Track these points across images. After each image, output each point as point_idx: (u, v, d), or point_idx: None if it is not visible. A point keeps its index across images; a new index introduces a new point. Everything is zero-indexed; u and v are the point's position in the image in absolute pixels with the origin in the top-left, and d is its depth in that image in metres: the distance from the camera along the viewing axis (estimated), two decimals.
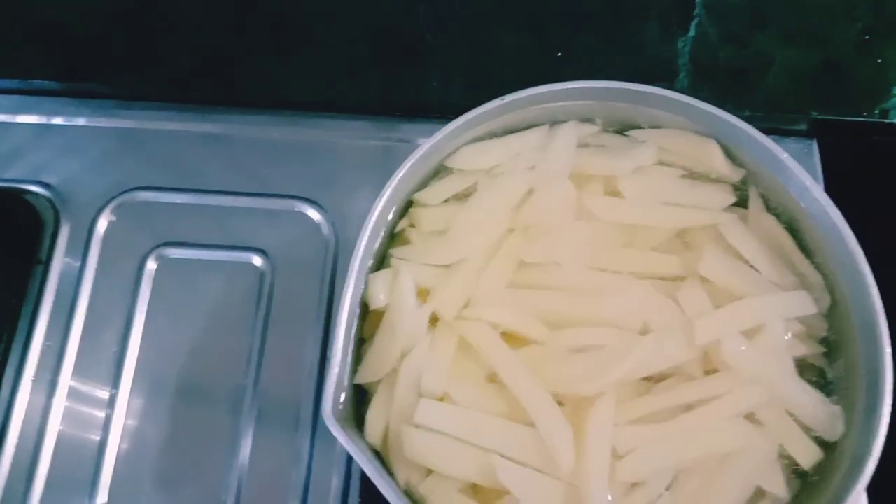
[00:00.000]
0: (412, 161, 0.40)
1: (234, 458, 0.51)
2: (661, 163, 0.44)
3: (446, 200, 0.44)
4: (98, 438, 0.51)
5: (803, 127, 0.58)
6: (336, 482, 0.50)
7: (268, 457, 0.51)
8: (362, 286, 0.40)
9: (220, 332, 0.54)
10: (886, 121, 0.56)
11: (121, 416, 0.52)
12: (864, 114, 0.57)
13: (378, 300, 0.40)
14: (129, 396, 0.53)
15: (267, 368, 0.53)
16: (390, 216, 0.42)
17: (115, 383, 0.53)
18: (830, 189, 0.54)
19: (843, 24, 0.60)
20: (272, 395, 0.52)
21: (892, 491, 0.43)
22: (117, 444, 0.51)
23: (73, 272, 0.56)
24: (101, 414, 0.52)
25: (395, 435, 0.38)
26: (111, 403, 0.52)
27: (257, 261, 0.56)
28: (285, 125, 0.61)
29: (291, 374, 0.53)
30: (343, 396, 0.38)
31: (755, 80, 0.58)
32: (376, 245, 0.41)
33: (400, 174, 0.40)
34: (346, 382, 0.38)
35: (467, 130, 0.43)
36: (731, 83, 0.58)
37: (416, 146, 0.41)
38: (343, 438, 0.35)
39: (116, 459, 0.51)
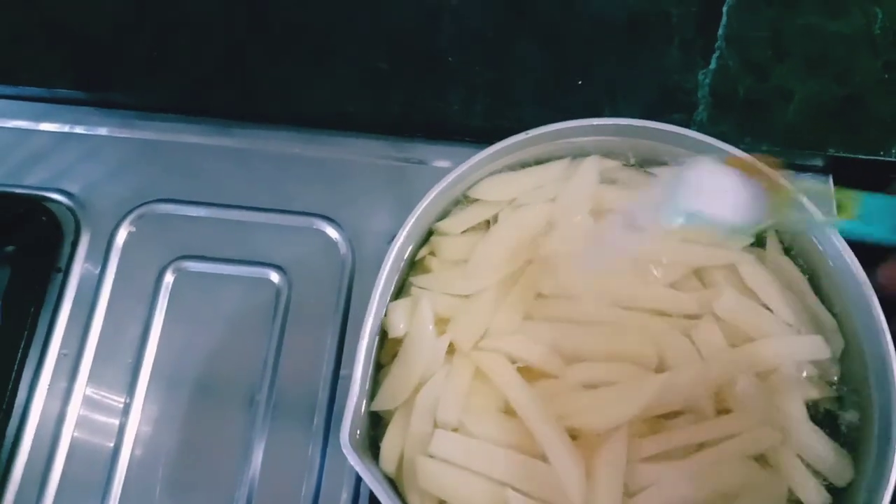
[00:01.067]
0: (436, 192, 0.41)
1: (246, 468, 0.51)
2: None
3: (467, 230, 0.44)
4: (111, 445, 0.52)
5: (820, 163, 0.58)
6: (346, 496, 0.51)
7: (279, 468, 0.52)
8: (382, 313, 0.41)
9: (235, 346, 0.55)
10: None
11: (134, 424, 0.53)
12: (882, 153, 0.57)
13: (398, 329, 0.41)
14: (144, 405, 0.53)
15: (280, 383, 0.54)
16: (412, 245, 0.43)
17: (130, 392, 0.53)
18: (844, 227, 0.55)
19: (866, 59, 0.60)
20: (285, 408, 0.53)
21: None
22: (130, 452, 0.52)
23: (91, 281, 0.56)
24: (115, 421, 0.53)
25: (410, 464, 0.38)
26: (125, 411, 0.53)
27: (274, 276, 0.57)
28: (305, 142, 0.61)
29: (304, 389, 0.53)
30: (360, 425, 0.38)
31: (774, 114, 0.59)
32: (396, 274, 0.42)
33: (423, 204, 0.40)
34: (362, 412, 0.38)
35: (490, 163, 0.44)
36: (750, 116, 0.58)
37: (435, 168, 0.41)
38: (360, 468, 0.35)
39: (129, 466, 0.52)
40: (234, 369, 0.54)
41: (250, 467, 0.51)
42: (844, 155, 0.57)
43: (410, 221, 0.40)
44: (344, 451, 0.36)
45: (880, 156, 0.57)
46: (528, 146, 0.43)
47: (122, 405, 0.53)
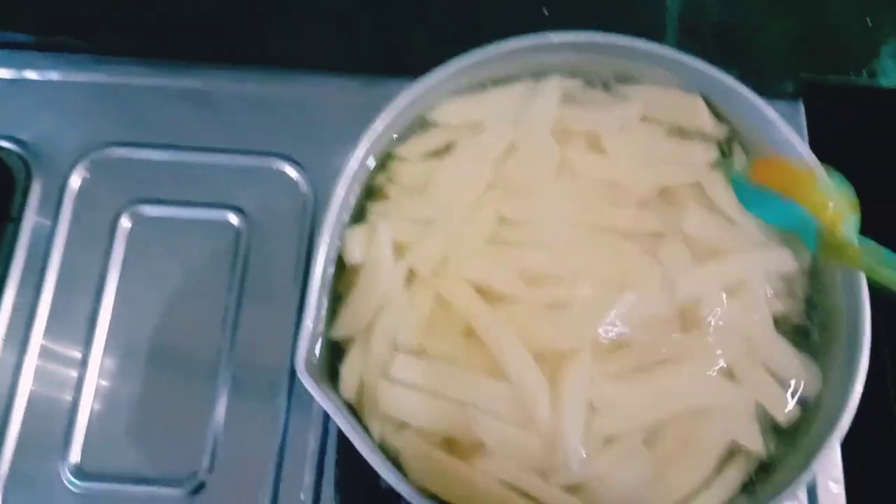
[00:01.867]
0: (391, 112, 0.39)
1: (210, 418, 0.50)
2: (645, 119, 0.44)
3: (426, 155, 0.43)
4: (70, 398, 0.51)
5: (790, 88, 0.57)
6: (313, 442, 0.50)
7: (244, 416, 0.50)
8: (338, 241, 0.39)
9: (195, 291, 0.53)
10: (874, 82, 0.56)
11: (94, 376, 0.51)
12: (852, 75, 0.56)
13: (354, 255, 0.40)
14: (103, 356, 0.52)
15: (243, 327, 0.52)
16: (367, 168, 0.41)
17: (87, 343, 0.52)
18: (816, 151, 0.54)
19: None
20: (249, 354, 0.52)
21: (867, 444, 0.44)
22: (90, 404, 0.51)
23: (45, 230, 0.54)
24: (74, 373, 0.51)
25: (371, 389, 0.37)
26: (84, 363, 0.51)
27: (234, 219, 0.55)
28: (266, 81, 0.59)
29: (268, 334, 0.52)
30: (318, 351, 0.37)
31: (744, 39, 0.58)
32: (353, 199, 0.40)
33: (378, 125, 0.39)
34: (319, 336, 0.37)
35: (448, 82, 0.42)
36: (719, 43, 0.57)
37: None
38: (316, 392, 0.34)
39: (90, 419, 0.50)
40: (196, 316, 0.53)
41: (214, 416, 0.50)
42: (815, 78, 0.56)
43: (364, 142, 0.38)
44: (300, 376, 0.35)
45: (851, 78, 0.56)
46: (486, 65, 0.42)
47: (80, 356, 0.52)
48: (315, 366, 0.37)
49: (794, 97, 0.57)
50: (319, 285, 0.36)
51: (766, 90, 0.56)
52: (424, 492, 0.35)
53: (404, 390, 0.37)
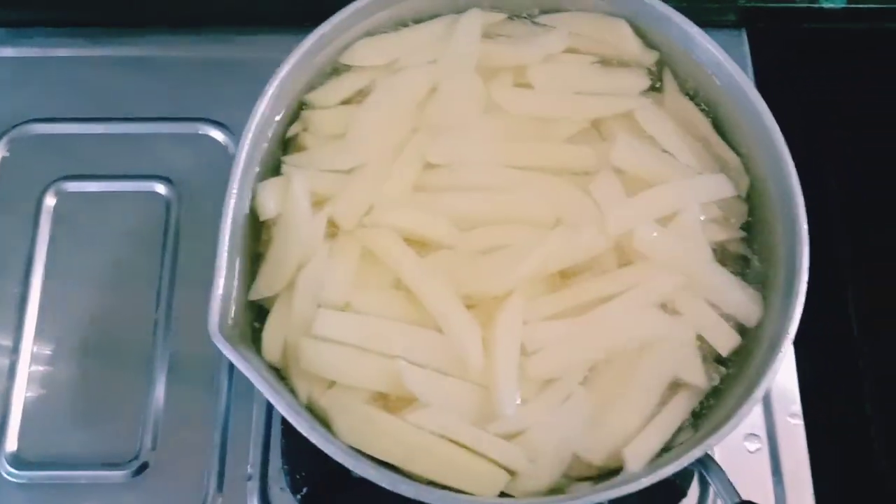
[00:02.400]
0: (297, 55, 0.37)
1: (150, 396, 0.48)
2: (571, 50, 0.42)
3: (343, 101, 0.41)
4: (2, 386, 0.49)
5: (732, 17, 0.55)
6: (257, 414, 0.48)
7: (185, 392, 0.49)
8: (248, 194, 0.37)
9: (127, 268, 0.51)
10: (815, 5, 0.54)
11: (26, 361, 0.49)
12: (794, 1, 0.54)
13: (268, 209, 0.38)
14: (34, 341, 0.50)
15: (179, 300, 0.50)
16: (279, 117, 0.39)
17: (18, 327, 0.50)
18: (761, 79, 0.52)
19: None
20: (186, 328, 0.50)
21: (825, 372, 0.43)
22: (24, 391, 0.48)
23: None
24: (6, 360, 0.49)
25: (294, 349, 0.36)
26: (15, 349, 0.49)
27: (161, 189, 0.53)
28: (186, 44, 0.56)
29: (204, 306, 0.50)
30: (234, 313, 0.35)
31: None
32: (262, 151, 0.38)
33: (285, 69, 0.37)
34: (235, 299, 0.35)
35: (361, 21, 0.40)
36: None
37: None
38: (232, 354, 0.33)
39: (24, 406, 0.48)
40: (130, 292, 0.51)
41: (154, 393, 0.48)
42: (756, 5, 0.54)
43: (270, 88, 0.36)
44: (213, 339, 0.33)
45: (792, 2, 0.54)
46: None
47: (10, 342, 0.49)
48: (233, 329, 0.35)
49: (736, 26, 0.55)
50: (229, 244, 0.34)
51: (708, 20, 0.55)
52: (356, 451, 0.33)
53: (329, 347, 0.35)
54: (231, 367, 0.49)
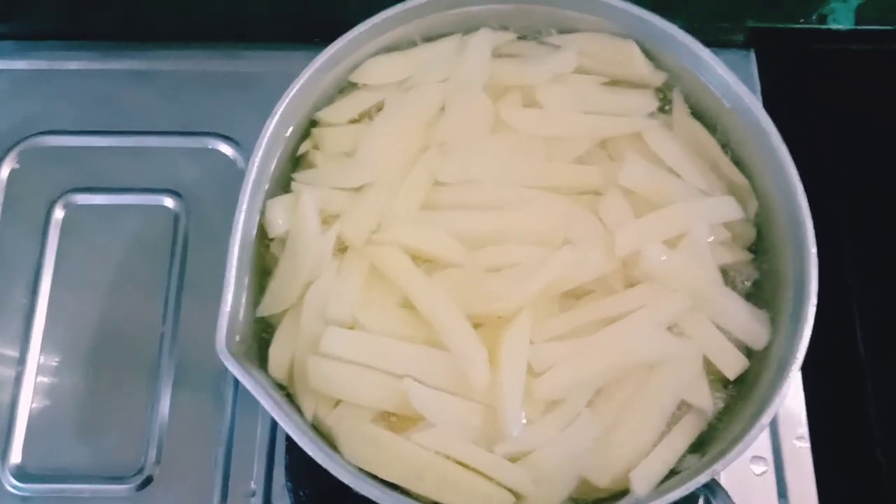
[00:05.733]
0: (310, 72, 0.37)
1: (155, 410, 0.48)
2: (580, 70, 0.42)
3: (353, 119, 0.41)
4: (8, 397, 0.48)
5: (740, 38, 0.56)
6: (262, 430, 0.48)
7: (190, 406, 0.48)
8: (258, 211, 0.37)
9: (135, 280, 0.51)
10: (824, 26, 0.54)
11: (32, 373, 0.49)
12: (802, 20, 0.54)
13: (277, 226, 0.38)
14: (41, 351, 0.50)
15: (185, 315, 0.50)
16: (288, 134, 0.39)
17: (25, 338, 0.50)
18: (769, 98, 0.52)
19: None
20: (192, 342, 0.50)
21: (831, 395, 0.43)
22: (29, 403, 0.48)
23: None
24: (11, 371, 0.49)
25: (301, 366, 0.36)
26: (21, 359, 0.49)
27: (170, 202, 0.53)
28: (196, 58, 0.57)
29: (211, 320, 0.50)
30: (243, 331, 0.35)
31: None
32: (272, 168, 0.38)
33: (296, 87, 0.37)
34: (243, 316, 0.35)
35: (373, 39, 0.40)
36: None
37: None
38: (238, 372, 0.33)
39: (29, 418, 0.48)
40: (136, 306, 0.51)
41: (159, 407, 0.48)
42: (764, 25, 0.54)
43: (282, 105, 0.36)
44: (221, 356, 0.33)
45: (801, 23, 0.54)
46: (411, 18, 0.40)
47: (17, 353, 0.49)
48: (240, 345, 0.35)
49: (744, 46, 0.56)
50: (238, 262, 0.34)
51: (716, 40, 0.55)
52: (360, 471, 0.33)
53: (335, 365, 0.35)
54: (236, 382, 0.49)
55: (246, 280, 0.36)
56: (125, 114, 0.55)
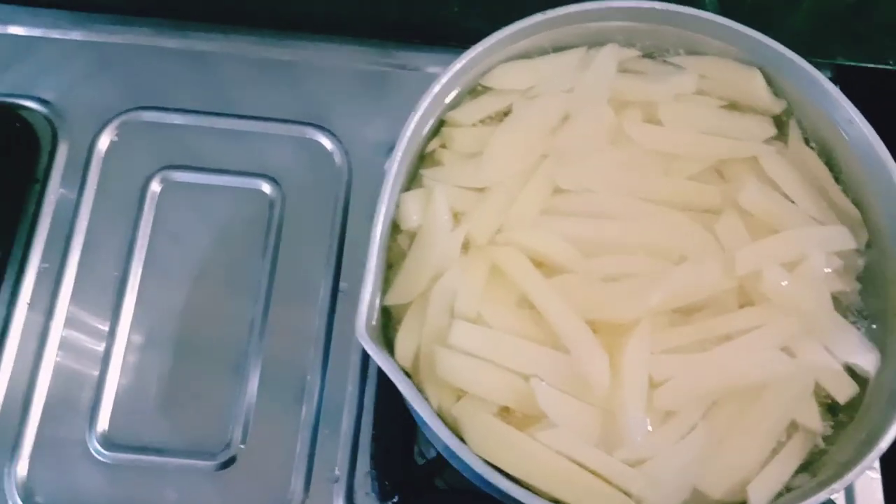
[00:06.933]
0: (449, 74, 0.38)
1: (243, 391, 0.49)
2: (701, 91, 0.43)
3: (481, 121, 0.42)
4: (98, 365, 0.49)
5: (828, 74, 0.57)
6: (347, 417, 0.49)
7: (277, 389, 0.49)
8: (395, 203, 0.38)
9: (227, 260, 0.52)
10: None
11: (122, 343, 0.50)
12: (891, 62, 0.56)
13: (411, 220, 0.39)
14: (132, 322, 0.50)
15: (276, 298, 0.51)
16: (425, 131, 0.40)
17: (115, 310, 0.51)
18: None
19: None
20: (282, 326, 0.51)
21: None
22: (118, 373, 0.49)
23: (71, 193, 0.53)
24: (102, 340, 0.50)
25: (428, 356, 0.36)
26: (111, 331, 0.50)
27: (266, 187, 0.54)
28: (296, 48, 0.58)
29: (302, 304, 0.51)
30: (375, 317, 0.36)
31: (781, 20, 0.57)
32: (406, 164, 0.39)
33: (436, 87, 0.38)
34: (376, 304, 0.36)
35: (505, 47, 0.41)
36: (755, 23, 0.56)
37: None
38: (378, 356, 0.34)
39: (118, 388, 0.49)
40: (227, 284, 0.52)
41: (247, 388, 0.49)
42: (852, 64, 0.56)
43: (424, 103, 0.37)
44: (360, 340, 0.34)
45: (889, 64, 0.56)
46: (544, 30, 0.41)
47: (107, 324, 0.50)
48: (373, 329, 0.36)
49: (831, 82, 0.57)
50: (378, 251, 0.35)
51: None
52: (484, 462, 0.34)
53: (462, 358, 0.36)
54: (324, 368, 0.50)
55: (381, 269, 0.37)
56: (227, 96, 0.56)
